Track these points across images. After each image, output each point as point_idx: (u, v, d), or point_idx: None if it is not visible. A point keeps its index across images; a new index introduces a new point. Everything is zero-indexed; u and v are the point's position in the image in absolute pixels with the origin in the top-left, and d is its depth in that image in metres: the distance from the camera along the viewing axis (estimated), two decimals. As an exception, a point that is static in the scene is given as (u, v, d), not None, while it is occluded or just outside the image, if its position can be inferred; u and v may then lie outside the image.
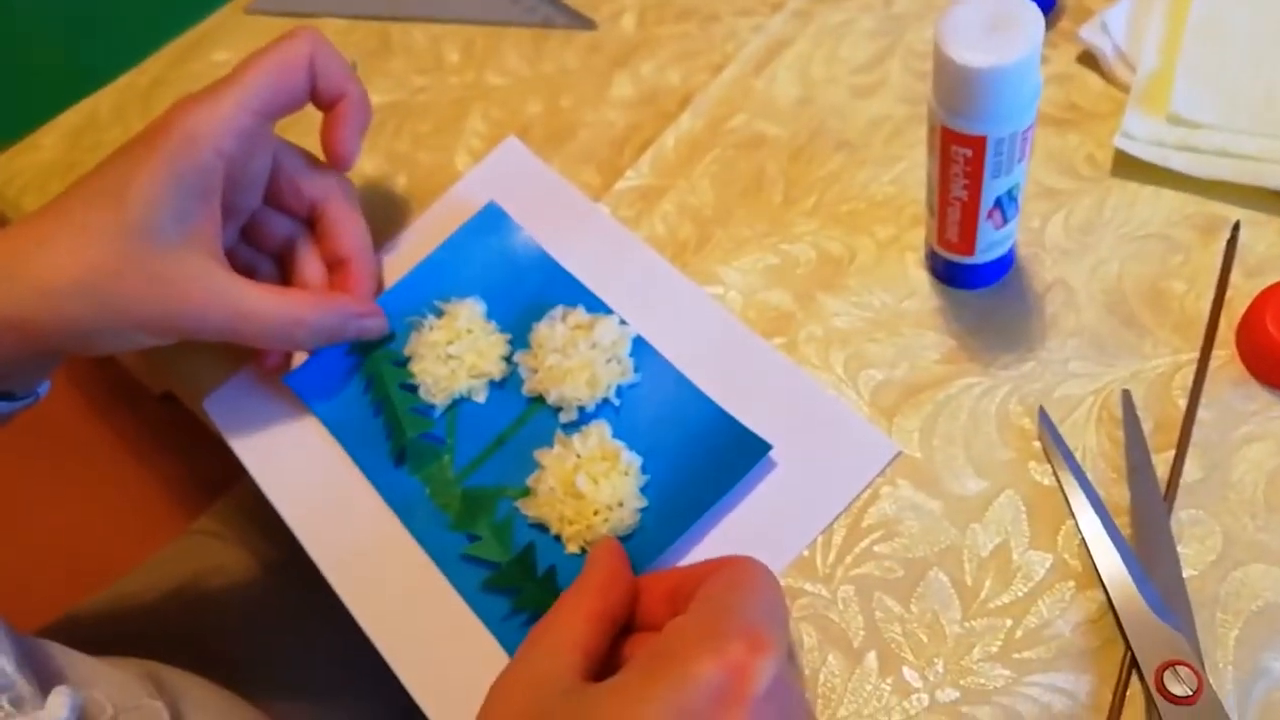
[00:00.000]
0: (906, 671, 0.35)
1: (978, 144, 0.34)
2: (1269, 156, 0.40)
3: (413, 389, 0.43)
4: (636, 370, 0.42)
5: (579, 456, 0.39)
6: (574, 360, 0.41)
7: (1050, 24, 0.47)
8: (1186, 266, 0.40)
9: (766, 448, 0.38)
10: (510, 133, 0.50)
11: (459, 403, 0.42)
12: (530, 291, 0.44)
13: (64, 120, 0.58)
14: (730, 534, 0.38)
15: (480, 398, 0.42)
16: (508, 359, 0.43)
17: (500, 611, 0.38)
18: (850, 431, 0.39)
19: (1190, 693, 0.32)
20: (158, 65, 0.59)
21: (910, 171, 0.45)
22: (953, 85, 0.33)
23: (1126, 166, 0.43)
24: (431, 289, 0.45)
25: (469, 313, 0.43)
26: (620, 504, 0.38)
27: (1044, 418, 0.38)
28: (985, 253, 0.39)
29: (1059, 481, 0.37)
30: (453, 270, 0.45)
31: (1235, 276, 0.40)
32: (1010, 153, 0.35)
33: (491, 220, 0.46)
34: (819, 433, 0.39)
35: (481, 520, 0.40)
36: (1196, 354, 0.38)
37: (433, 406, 0.42)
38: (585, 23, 0.54)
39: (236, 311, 0.39)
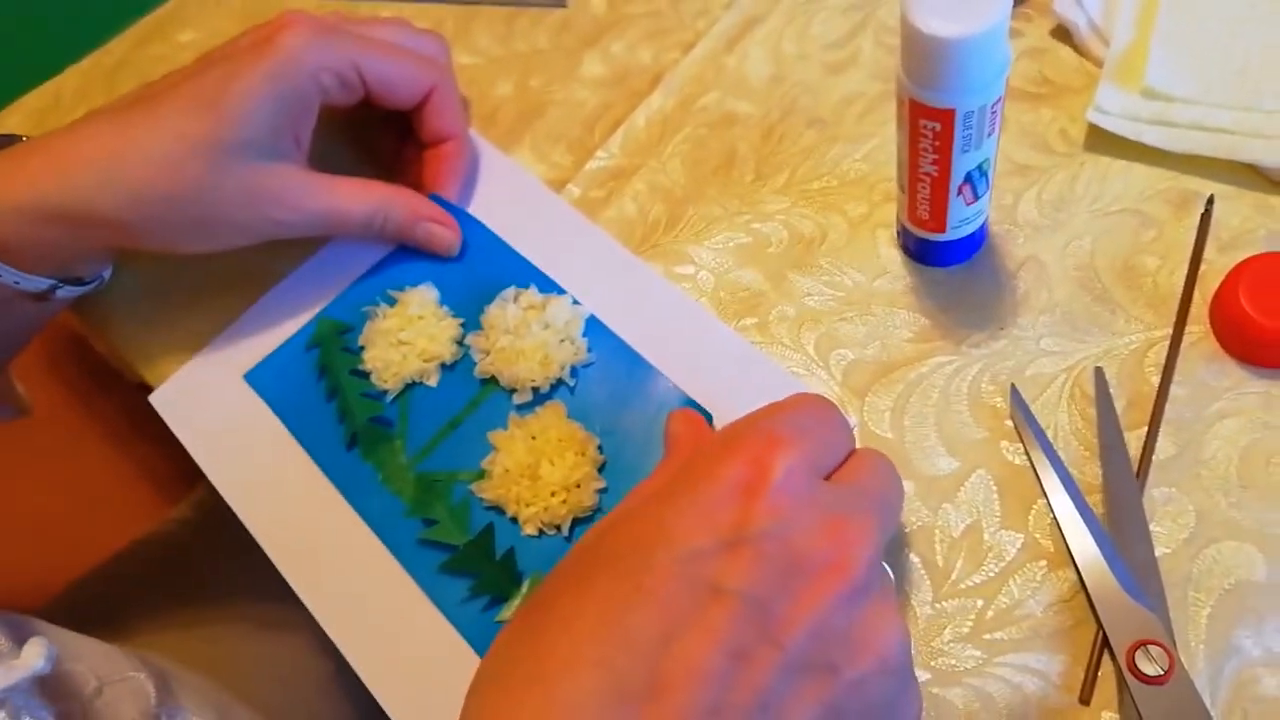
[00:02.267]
0: (877, 653, 0.34)
1: (946, 117, 0.34)
2: (1243, 130, 0.40)
3: (364, 375, 0.42)
4: (590, 350, 0.41)
5: (533, 438, 0.39)
6: (526, 341, 0.40)
7: (1024, -2, 0.46)
8: (1159, 242, 0.40)
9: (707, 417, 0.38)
10: (477, 113, 0.50)
11: (411, 388, 0.42)
12: (482, 275, 0.44)
13: (27, 101, 0.57)
14: None
15: (432, 381, 0.42)
16: (459, 342, 0.42)
17: (458, 596, 0.37)
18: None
19: (1161, 672, 0.32)
20: (122, 46, 0.58)
21: (882, 148, 0.44)
22: (920, 56, 0.32)
23: (1099, 141, 0.42)
24: (386, 281, 0.44)
25: (420, 299, 0.43)
26: (578, 485, 0.38)
27: (1016, 396, 0.37)
28: (956, 229, 0.39)
29: (1031, 460, 0.36)
30: (407, 260, 0.45)
31: (1209, 251, 0.39)
32: (980, 126, 0.34)
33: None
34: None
35: (437, 505, 0.39)
36: (1169, 330, 0.38)
37: (384, 392, 0.42)
38: (556, 1, 0.53)
39: (323, 210, 0.41)
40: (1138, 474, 0.36)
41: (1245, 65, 0.41)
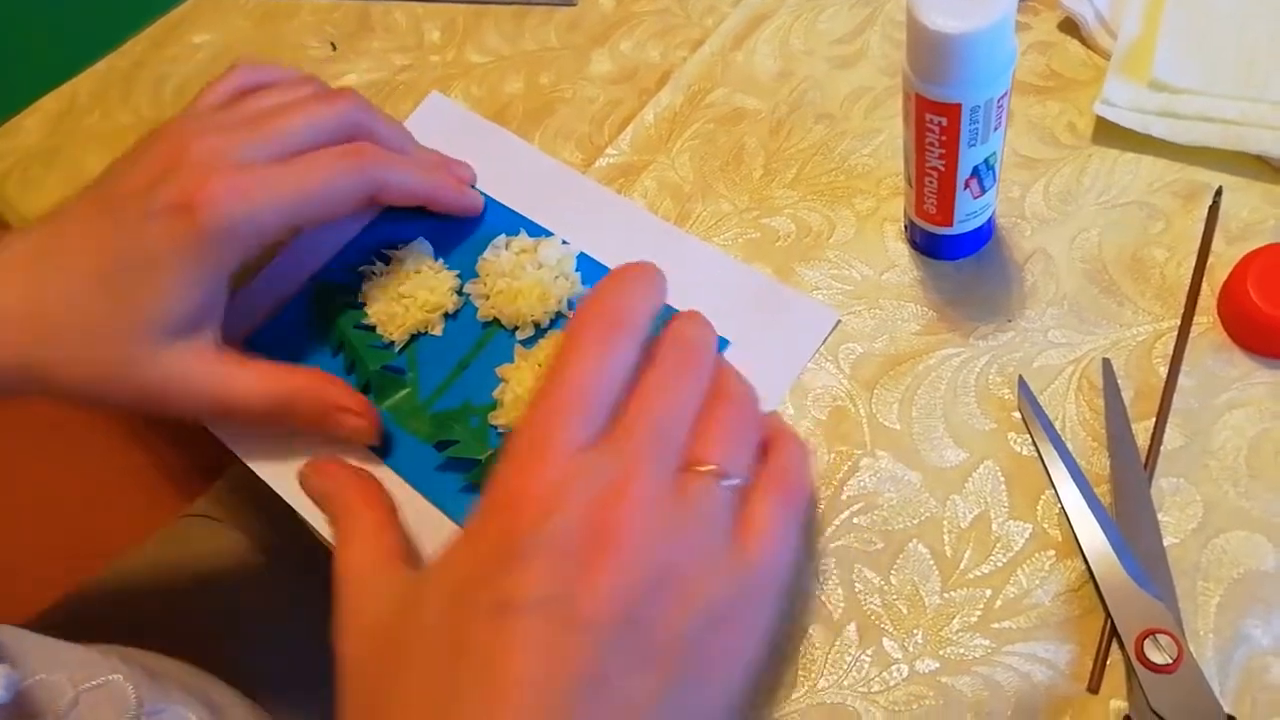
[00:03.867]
0: (886, 643, 0.35)
1: (952, 111, 0.34)
2: (1251, 120, 0.40)
3: (369, 329, 0.44)
4: (585, 283, 0.43)
5: (540, 365, 0.41)
6: (523, 281, 0.42)
7: (1032, -9, 0.47)
8: (1168, 234, 0.40)
9: (724, 343, 0.40)
10: (487, 111, 0.50)
11: (417, 338, 0.44)
12: (471, 228, 0.46)
13: (44, 104, 0.57)
14: None
15: (437, 331, 0.44)
16: (459, 291, 0.44)
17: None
18: (792, 308, 0.41)
19: (1170, 661, 0.32)
20: (137, 48, 0.58)
21: (889, 143, 0.44)
22: (925, 51, 0.33)
23: (1107, 134, 0.42)
24: (378, 241, 0.46)
25: (415, 254, 0.45)
26: None
27: (1023, 387, 0.38)
28: (964, 223, 0.39)
29: (1038, 451, 0.37)
30: (396, 220, 0.47)
31: (1217, 243, 0.39)
32: (986, 120, 0.34)
33: None
34: (762, 313, 0.41)
35: (456, 428, 0.41)
36: (1177, 321, 0.38)
37: (391, 343, 0.43)
38: (565, -1, 0.54)
39: (221, 402, 0.39)
40: (1146, 464, 0.36)
41: (1253, 56, 0.41)
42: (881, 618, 0.35)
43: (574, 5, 0.53)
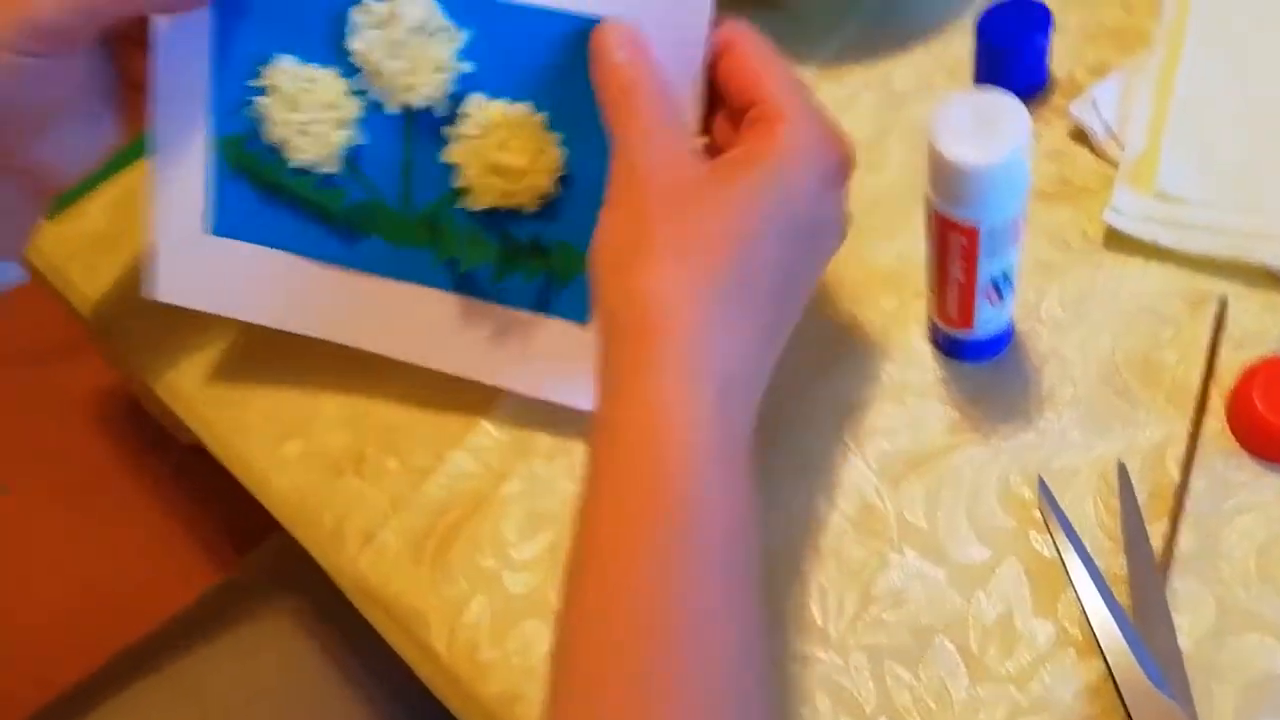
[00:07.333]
0: (915, 737, 0.36)
1: (971, 231, 0.36)
2: (1253, 231, 0.42)
3: (304, 172, 0.43)
4: (461, 29, 0.40)
5: (477, 138, 0.41)
6: (403, 60, 0.40)
7: (1043, 100, 0.49)
8: (1177, 339, 0.42)
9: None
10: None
11: (349, 153, 0.42)
12: (313, 9, 0.41)
13: (105, 192, 0.60)
14: None
15: (361, 140, 0.42)
16: (354, 93, 0.42)
17: (518, 286, 0.42)
18: None
19: (1188, 760, 0.33)
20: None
21: (914, 245, 0.46)
22: (946, 179, 0.35)
23: (1118, 240, 0.44)
24: (233, 72, 0.42)
25: (288, 72, 0.42)
26: (542, 152, 0.40)
27: (1043, 488, 0.39)
28: (983, 328, 0.41)
29: (1058, 551, 0.38)
30: (245, 38, 0.42)
31: (1225, 349, 0.41)
32: (1003, 237, 0.37)
33: None
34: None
35: (452, 244, 0.42)
36: (1189, 425, 0.40)
37: (332, 175, 0.43)
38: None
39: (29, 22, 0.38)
40: (1160, 566, 0.37)
41: (1253, 168, 0.44)
42: (911, 712, 0.36)
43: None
